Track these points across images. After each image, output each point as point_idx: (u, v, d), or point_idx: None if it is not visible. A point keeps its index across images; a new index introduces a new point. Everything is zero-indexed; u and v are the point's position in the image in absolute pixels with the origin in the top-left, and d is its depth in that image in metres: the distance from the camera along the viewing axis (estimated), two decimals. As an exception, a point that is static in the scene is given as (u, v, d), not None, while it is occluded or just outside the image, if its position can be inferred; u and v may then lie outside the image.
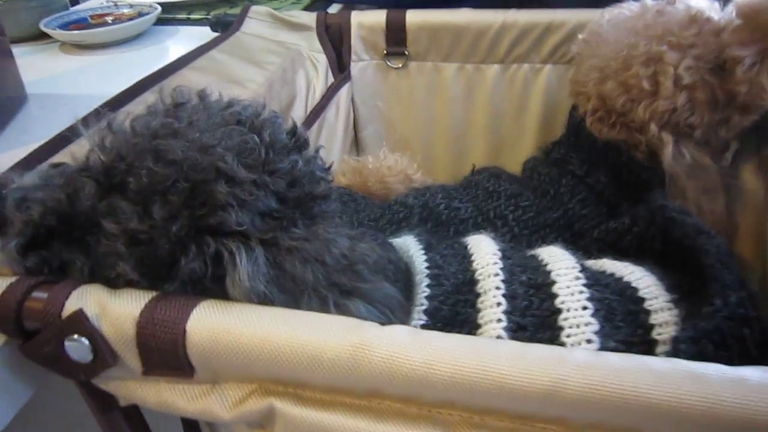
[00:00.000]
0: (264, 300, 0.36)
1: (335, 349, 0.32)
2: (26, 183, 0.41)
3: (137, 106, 0.63)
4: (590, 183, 0.64)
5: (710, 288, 0.43)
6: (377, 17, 0.82)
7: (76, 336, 0.35)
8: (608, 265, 0.52)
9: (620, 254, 0.56)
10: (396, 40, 0.83)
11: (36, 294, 0.37)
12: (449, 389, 0.30)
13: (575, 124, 0.66)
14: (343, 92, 0.84)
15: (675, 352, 0.39)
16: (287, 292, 0.37)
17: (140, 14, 1.01)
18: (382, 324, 0.34)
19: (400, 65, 0.85)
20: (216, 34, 1.03)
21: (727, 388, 0.28)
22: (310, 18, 0.83)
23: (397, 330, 0.33)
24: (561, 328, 0.43)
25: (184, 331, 0.34)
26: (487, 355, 0.30)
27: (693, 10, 0.57)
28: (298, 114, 0.75)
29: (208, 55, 0.76)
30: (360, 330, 0.32)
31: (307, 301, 0.37)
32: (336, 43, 0.84)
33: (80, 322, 0.35)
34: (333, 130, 0.82)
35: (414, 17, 0.81)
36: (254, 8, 0.85)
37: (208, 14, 1.12)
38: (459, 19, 0.80)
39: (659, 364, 0.30)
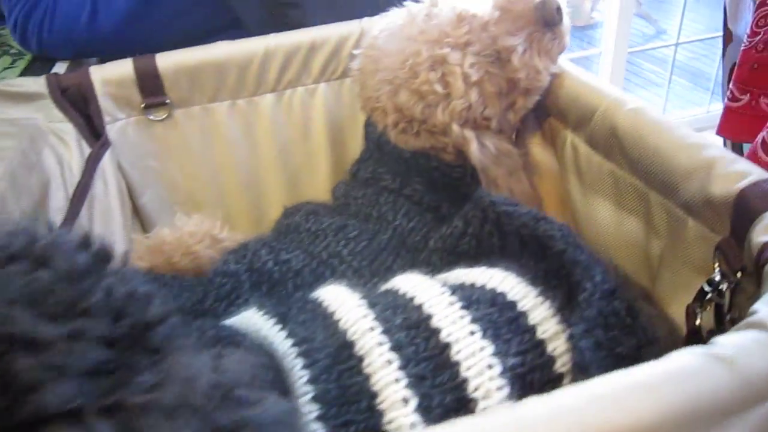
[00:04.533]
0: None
1: None
2: None
3: None
4: (407, 194, 0.63)
5: (574, 273, 0.44)
6: (122, 68, 0.71)
7: None
8: (464, 275, 0.50)
9: (462, 258, 0.55)
10: (152, 89, 0.73)
11: None
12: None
13: (376, 139, 0.64)
14: (107, 161, 0.71)
15: (577, 350, 0.39)
16: None
17: None
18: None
19: (164, 116, 0.75)
20: None
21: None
22: (37, 84, 0.68)
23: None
24: (458, 363, 0.40)
25: None
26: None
27: (458, 9, 0.58)
28: (59, 203, 0.61)
29: None
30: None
31: None
32: (80, 107, 0.70)
33: None
34: (106, 208, 0.69)
35: (166, 61, 0.72)
36: (-46, 84, 0.67)
37: None
38: (217, 53, 0.73)
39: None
